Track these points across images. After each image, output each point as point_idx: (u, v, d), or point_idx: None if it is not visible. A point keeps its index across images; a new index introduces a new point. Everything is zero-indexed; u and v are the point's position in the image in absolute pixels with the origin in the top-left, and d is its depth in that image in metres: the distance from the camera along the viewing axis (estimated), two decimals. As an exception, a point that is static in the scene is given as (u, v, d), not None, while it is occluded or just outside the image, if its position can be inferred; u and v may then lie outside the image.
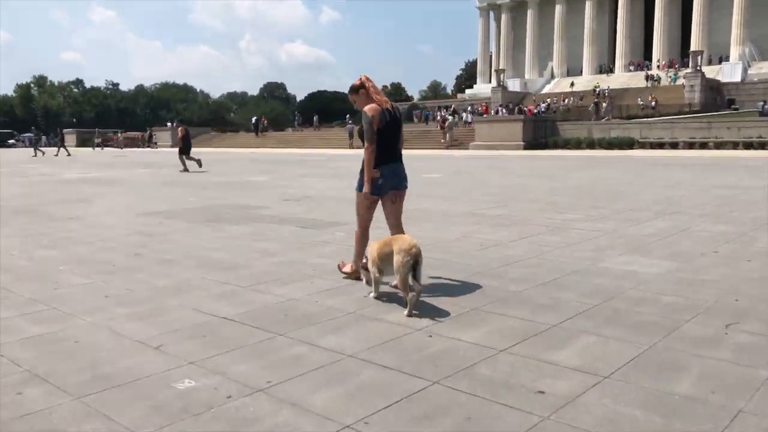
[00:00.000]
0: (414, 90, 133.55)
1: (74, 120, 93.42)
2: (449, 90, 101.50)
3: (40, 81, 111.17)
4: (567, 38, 67.37)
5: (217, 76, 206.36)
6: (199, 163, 19.81)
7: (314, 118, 57.47)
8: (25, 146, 39.87)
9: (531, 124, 35.38)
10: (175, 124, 22.59)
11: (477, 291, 4.52)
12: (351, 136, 43.04)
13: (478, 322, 3.79)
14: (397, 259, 4.01)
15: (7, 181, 16.95)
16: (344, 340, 3.51)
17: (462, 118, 46.57)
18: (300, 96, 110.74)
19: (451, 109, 51.70)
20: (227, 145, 50.14)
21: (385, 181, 4.64)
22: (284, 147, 44.69)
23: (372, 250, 4.34)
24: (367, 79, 4.62)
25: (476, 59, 79.80)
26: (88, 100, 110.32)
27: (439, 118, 44.43)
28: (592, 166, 19.95)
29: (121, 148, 52.23)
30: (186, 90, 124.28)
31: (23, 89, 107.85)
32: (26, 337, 3.64)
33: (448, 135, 38.25)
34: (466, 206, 9.55)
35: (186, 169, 19.32)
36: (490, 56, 76.48)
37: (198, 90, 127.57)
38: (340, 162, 24.05)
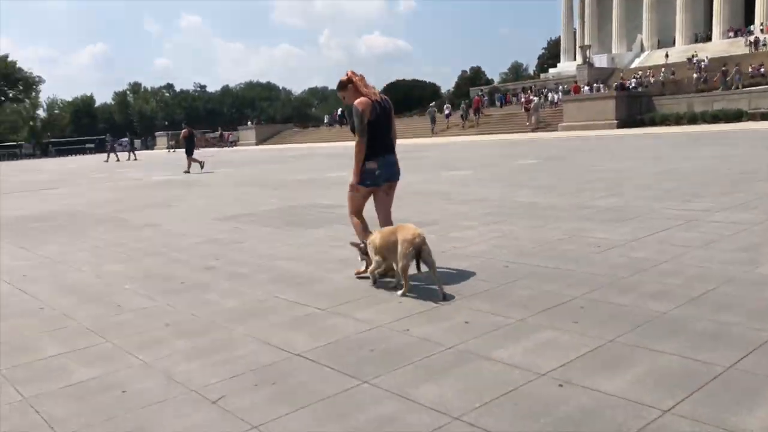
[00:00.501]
0: (494, 73, 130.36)
1: (166, 123, 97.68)
2: (531, 70, 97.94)
3: (135, 87, 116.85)
4: (657, 8, 63.06)
5: (298, 73, 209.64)
6: (201, 165, 20.32)
7: None
8: (123, 150, 41.80)
9: (624, 101, 33.14)
10: (183, 126, 23.37)
11: (607, 312, 3.59)
12: (433, 121, 42.12)
13: (621, 363, 2.88)
14: (400, 249, 4.10)
15: (96, 186, 17.30)
16: (447, 390, 2.72)
17: (548, 98, 44.44)
18: (379, 87, 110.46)
19: (536, 89, 49.51)
20: (309, 140, 50.48)
21: (381, 172, 4.70)
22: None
23: (375, 239, 4.41)
24: (354, 73, 4.65)
25: (559, 37, 76.28)
26: (178, 103, 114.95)
27: (522, 99, 42.49)
28: (701, 143, 18.09)
29: (198, 149, 53.84)
30: (269, 88, 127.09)
31: (120, 96, 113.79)
32: (70, 384, 3.09)
33: (533, 117, 36.53)
34: (570, 197, 8.50)
35: (188, 171, 20.00)
36: (574, 32, 72.87)
37: (281, 87, 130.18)
38: (420, 152, 23.25)
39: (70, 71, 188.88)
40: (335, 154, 26.60)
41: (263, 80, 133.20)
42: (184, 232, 7.79)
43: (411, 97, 66.04)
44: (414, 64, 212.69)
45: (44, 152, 74.97)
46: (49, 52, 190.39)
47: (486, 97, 44.59)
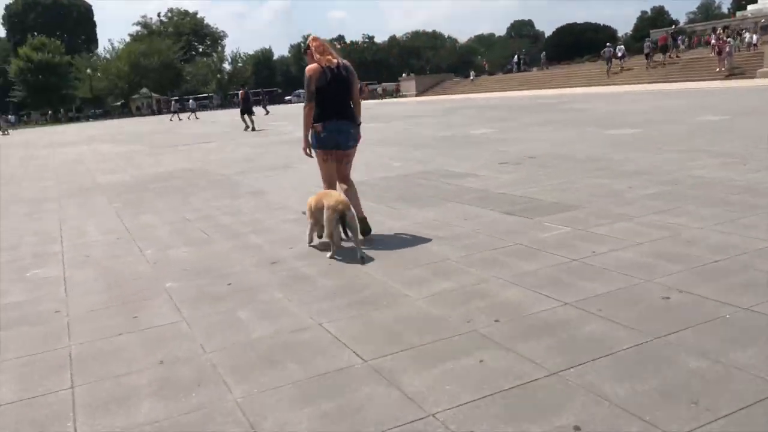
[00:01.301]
0: (679, 14, 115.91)
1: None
2: (725, 8, 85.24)
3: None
4: None
5: (465, 21, 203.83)
6: (249, 127, 21.57)
7: (541, 56, 52.07)
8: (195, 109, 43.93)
9: None
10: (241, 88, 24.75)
11: None
12: (609, 61, 37.85)
13: None
14: (326, 214, 4.34)
15: (243, 141, 17.29)
16: None
17: (744, 39, 37.74)
18: (548, 32, 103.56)
19: (731, 29, 42.39)
20: (468, 90, 48.31)
21: (328, 135, 4.72)
22: (526, 89, 41.23)
23: (311, 202, 4.63)
24: (314, 39, 4.72)
25: (767, -35, 64.91)
26: (347, 55, 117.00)
27: (713, 41, 36.43)
28: None
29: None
30: (434, 37, 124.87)
31: (295, 49, 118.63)
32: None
33: (726, 61, 31.17)
34: (772, 172, 6.29)
35: (248, 127, 21.54)
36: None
37: (446, 36, 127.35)
38: (582, 102, 20.54)
39: (256, 26, 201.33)
40: (490, 106, 24.66)
41: (429, 29, 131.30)
42: (283, 203, 6.91)
43: (582, 42, 60.59)
44: (590, 5, 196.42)
45: (230, 103, 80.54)
46: (239, 7, 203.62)
47: (670, 40, 38.83)
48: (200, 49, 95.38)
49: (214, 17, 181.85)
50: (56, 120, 71.62)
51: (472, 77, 52.45)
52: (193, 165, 11.88)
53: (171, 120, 39.29)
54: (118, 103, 78.38)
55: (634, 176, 6.71)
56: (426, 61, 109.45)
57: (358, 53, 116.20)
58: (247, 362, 2.85)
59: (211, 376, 2.74)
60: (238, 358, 2.91)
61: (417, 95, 53.34)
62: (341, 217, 4.30)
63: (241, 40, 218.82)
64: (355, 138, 4.92)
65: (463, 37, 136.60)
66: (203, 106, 73.85)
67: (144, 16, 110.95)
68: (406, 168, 8.99)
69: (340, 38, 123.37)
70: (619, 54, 38.78)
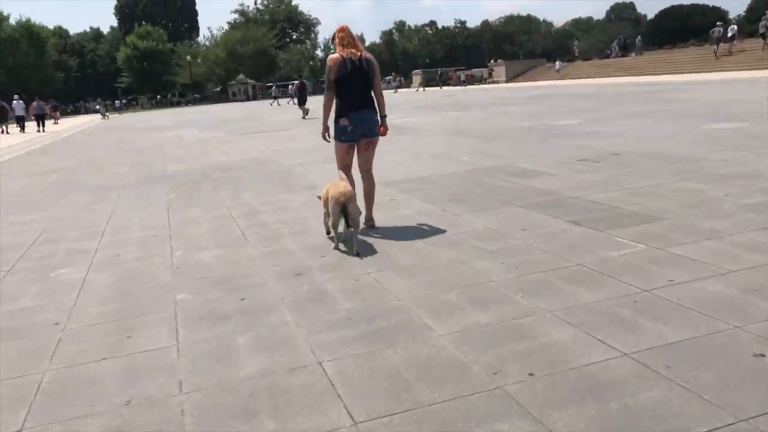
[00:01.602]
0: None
1: (427, 60, 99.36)
2: None
3: (400, 26, 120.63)
4: None
5: (561, 4, 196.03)
6: (305, 112, 22.38)
7: (637, 40, 48.28)
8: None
9: None
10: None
11: None
12: (718, 42, 34.53)
13: None
14: (330, 205, 4.41)
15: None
16: None
17: None
18: (651, 14, 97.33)
19: None
20: (558, 76, 46.09)
21: (354, 128, 4.79)
22: (623, 75, 38.70)
23: (324, 191, 4.62)
24: (340, 30, 4.80)
25: None
26: (439, 40, 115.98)
27: None
28: None
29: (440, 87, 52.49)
30: (529, 21, 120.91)
31: (386, 35, 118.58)
32: None
33: None
34: None
35: (305, 117, 22.09)
36: None
37: (541, 20, 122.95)
38: (684, 92, 18.74)
39: (348, 13, 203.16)
40: (579, 94, 23.19)
41: (524, 13, 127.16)
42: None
43: (688, 26, 56.34)
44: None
45: (322, 90, 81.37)
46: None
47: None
48: (294, 36, 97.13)
49: (308, 4, 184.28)
50: (159, 104, 75.39)
51: (558, 67, 48.17)
52: (262, 154, 11.71)
53: (271, 105, 39.91)
54: (217, 89, 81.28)
55: (733, 181, 5.74)
56: (519, 46, 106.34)
57: (449, 38, 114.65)
58: (220, 411, 2.39)
59: (173, 428, 2.30)
60: (213, 404, 2.45)
61: (507, 81, 51.69)
62: (343, 209, 4.33)
63: (334, 26, 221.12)
64: (378, 126, 4.95)
65: (559, 21, 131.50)
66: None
67: (241, 4, 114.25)
68: (474, 162, 8.31)
69: (432, 23, 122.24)
70: (729, 34, 35.13)
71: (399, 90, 54.83)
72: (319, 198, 4.87)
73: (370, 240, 4.74)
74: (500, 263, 3.90)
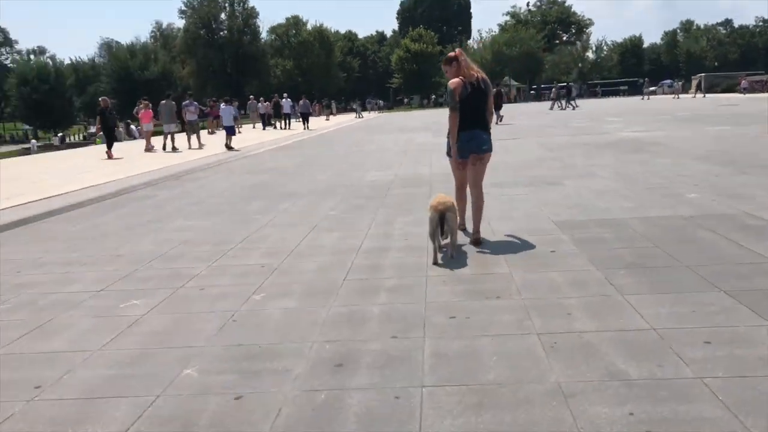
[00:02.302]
0: None
1: (716, 64, 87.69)
2: None
3: (686, 26, 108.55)
4: None
5: None
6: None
7: None
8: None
9: None
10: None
11: None
12: None
13: None
14: (429, 214, 4.62)
15: (553, 138, 15.33)
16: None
17: None
18: None
19: None
20: None
21: (462, 145, 5.10)
22: None
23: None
24: (461, 53, 5.13)
25: None
26: (733, 41, 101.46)
27: None
28: None
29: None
30: None
31: (669, 36, 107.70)
32: None
33: None
34: None
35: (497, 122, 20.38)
36: None
37: None
38: None
39: (629, 12, 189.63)
40: None
41: None
42: (487, 248, 5.19)
43: None
44: None
45: (589, 93, 76.99)
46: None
47: None
48: (564, 38, 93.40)
49: (582, 5, 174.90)
50: (427, 105, 78.80)
51: None
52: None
53: (551, 109, 36.86)
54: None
55: None
56: None
57: (746, 38, 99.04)
58: None
59: None
60: None
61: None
62: (441, 218, 4.49)
63: (610, 27, 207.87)
64: (489, 143, 5.16)
65: None
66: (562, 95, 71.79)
67: (514, 6, 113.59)
68: (701, 204, 6.22)
69: (727, 22, 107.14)
70: None
71: (673, 95, 48.48)
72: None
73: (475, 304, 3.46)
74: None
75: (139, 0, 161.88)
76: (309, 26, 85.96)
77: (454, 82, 4.99)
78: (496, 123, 24.54)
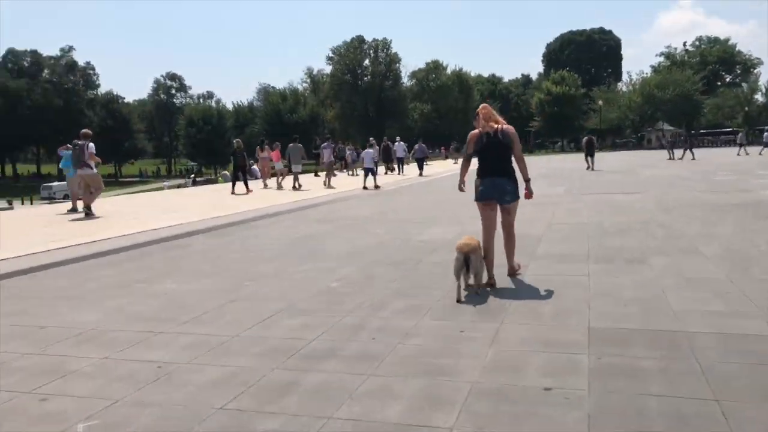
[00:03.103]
0: None
1: None
2: None
3: None
4: None
5: None
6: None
7: None
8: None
9: None
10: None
11: None
12: None
13: None
14: (455, 255, 4.95)
15: (660, 197, 12.89)
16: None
17: None
18: None
19: None
20: None
21: (484, 190, 5.49)
22: None
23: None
24: (483, 107, 5.62)
25: None
26: None
27: None
28: None
29: None
30: None
31: None
32: None
33: None
34: None
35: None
36: None
37: None
38: None
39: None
40: None
41: None
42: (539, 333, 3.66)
43: None
44: None
45: (756, 141, 68.87)
46: None
47: None
48: (727, 79, 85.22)
49: (750, 43, 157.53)
50: (562, 149, 75.13)
51: None
52: (554, 221, 8.92)
53: (670, 159, 32.71)
54: (634, 137, 76.81)
55: None
56: None
57: None
58: None
59: None
60: None
61: None
62: (465, 259, 4.84)
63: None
64: (513, 193, 5.48)
65: None
66: (726, 142, 64.66)
67: (668, 46, 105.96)
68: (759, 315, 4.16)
69: None
70: None
71: None
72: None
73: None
74: None
75: (294, 47, 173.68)
76: (449, 70, 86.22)
77: (471, 134, 5.55)
78: (587, 169, 25.20)
